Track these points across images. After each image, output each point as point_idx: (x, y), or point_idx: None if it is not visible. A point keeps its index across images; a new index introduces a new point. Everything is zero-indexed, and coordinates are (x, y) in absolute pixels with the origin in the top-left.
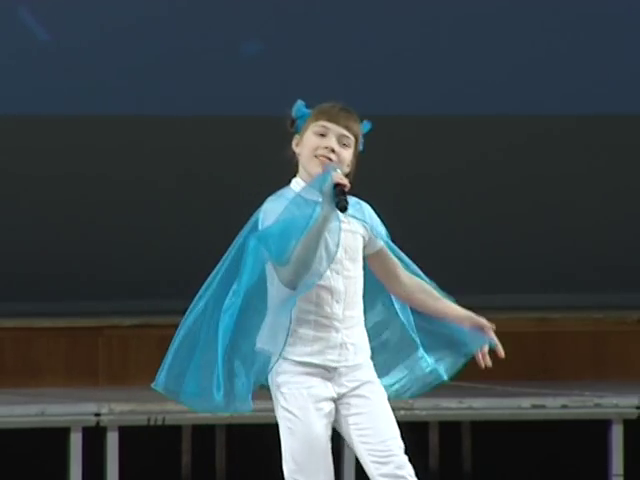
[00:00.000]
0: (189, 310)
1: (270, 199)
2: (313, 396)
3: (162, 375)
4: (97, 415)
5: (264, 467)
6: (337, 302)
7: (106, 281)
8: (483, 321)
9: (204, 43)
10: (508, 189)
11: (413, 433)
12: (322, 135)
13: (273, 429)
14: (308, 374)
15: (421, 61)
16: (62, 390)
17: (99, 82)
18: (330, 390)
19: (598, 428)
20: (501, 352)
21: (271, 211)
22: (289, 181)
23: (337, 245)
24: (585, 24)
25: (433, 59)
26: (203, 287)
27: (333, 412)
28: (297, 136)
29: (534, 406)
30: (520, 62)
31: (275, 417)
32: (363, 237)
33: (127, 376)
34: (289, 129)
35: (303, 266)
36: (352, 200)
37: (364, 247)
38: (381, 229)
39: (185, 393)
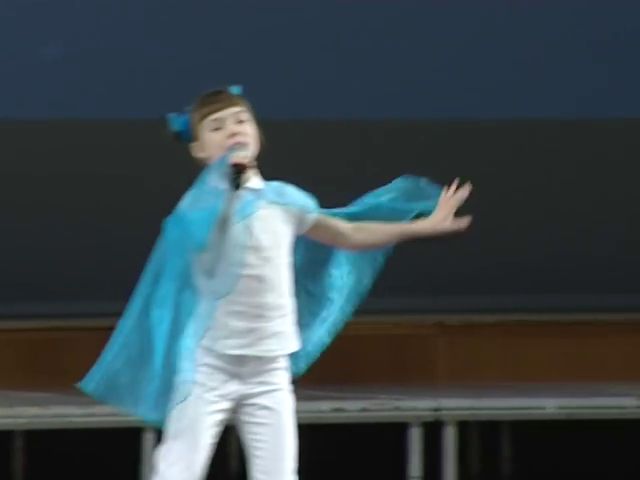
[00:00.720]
0: (123, 317)
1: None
2: (208, 388)
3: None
4: None
5: (63, 473)
6: (267, 291)
7: None
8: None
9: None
10: None
11: (221, 438)
12: (219, 128)
13: (73, 435)
14: (214, 367)
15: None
16: None
17: None
18: (234, 389)
19: (397, 431)
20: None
21: (188, 203)
22: None
23: (248, 234)
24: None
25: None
26: (135, 293)
27: (227, 409)
28: (194, 144)
29: (334, 409)
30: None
31: (73, 423)
32: (289, 221)
33: None
34: (176, 142)
35: (215, 252)
36: (273, 184)
37: (298, 227)
38: (307, 202)
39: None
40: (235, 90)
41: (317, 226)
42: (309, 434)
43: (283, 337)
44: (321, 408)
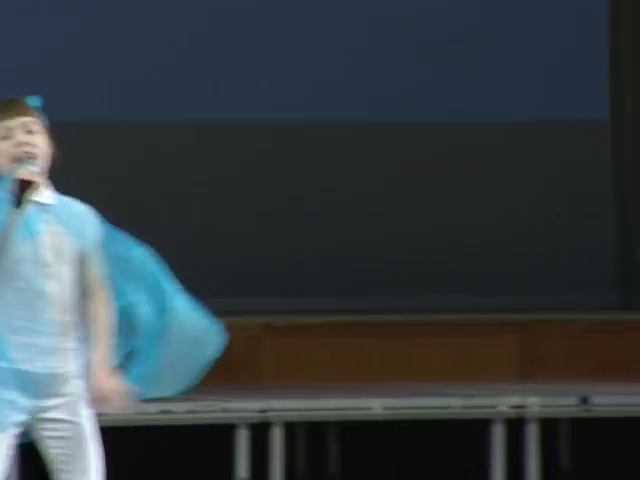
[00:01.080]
0: None
1: None
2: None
3: None
4: None
5: None
6: (49, 307)
7: None
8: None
9: None
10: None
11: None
12: (7, 137)
13: None
14: (3, 383)
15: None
16: None
17: None
18: (25, 402)
19: (225, 432)
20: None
21: None
22: None
23: (32, 249)
24: None
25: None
26: None
27: (21, 422)
28: None
29: (161, 411)
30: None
31: None
32: (72, 240)
33: None
34: None
35: None
36: (65, 200)
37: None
38: (90, 235)
39: None
40: (33, 101)
41: (81, 263)
42: (135, 436)
43: (63, 354)
44: (148, 410)
